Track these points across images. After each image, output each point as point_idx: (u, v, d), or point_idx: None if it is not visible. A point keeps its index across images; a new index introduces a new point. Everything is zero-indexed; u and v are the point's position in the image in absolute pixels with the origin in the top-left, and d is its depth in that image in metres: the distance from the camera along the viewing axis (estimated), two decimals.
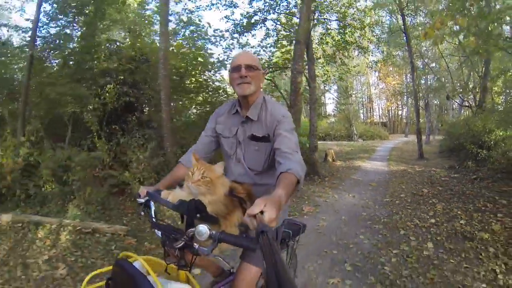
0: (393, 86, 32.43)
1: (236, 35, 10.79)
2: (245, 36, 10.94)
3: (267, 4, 10.47)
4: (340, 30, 11.39)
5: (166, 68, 6.87)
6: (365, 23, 11.88)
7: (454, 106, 26.41)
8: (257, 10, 10.46)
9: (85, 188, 5.22)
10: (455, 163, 10.41)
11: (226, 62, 9.52)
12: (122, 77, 7.74)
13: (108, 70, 7.85)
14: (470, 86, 16.02)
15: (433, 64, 21.37)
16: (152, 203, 1.47)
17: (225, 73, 9.58)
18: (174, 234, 1.24)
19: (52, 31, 7.97)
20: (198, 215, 1.20)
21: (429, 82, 24.20)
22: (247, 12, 10.36)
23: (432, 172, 9.82)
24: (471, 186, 7.19)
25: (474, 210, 5.31)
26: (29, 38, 7.58)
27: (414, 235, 4.32)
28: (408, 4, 14.30)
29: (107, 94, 7.08)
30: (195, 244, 1.19)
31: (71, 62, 7.83)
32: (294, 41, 7.84)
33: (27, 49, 7.28)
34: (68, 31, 7.95)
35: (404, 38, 14.99)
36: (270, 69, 10.61)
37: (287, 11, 11.19)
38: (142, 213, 1.50)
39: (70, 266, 3.37)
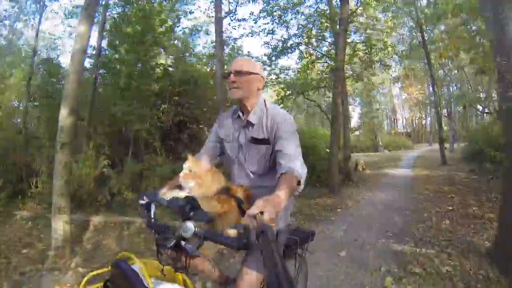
0: (416, 96, 33.12)
1: (273, 58, 12.24)
2: (282, 58, 12.26)
3: (300, 30, 11.67)
4: (366, 51, 12.55)
5: (222, 90, 7.97)
6: (388, 43, 13.07)
7: (478, 112, 26.47)
8: (292, 35, 11.57)
9: None
10: (475, 167, 11.38)
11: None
12: (176, 98, 8.72)
13: (159, 92, 8.77)
14: (493, 93, 16.58)
15: (455, 71, 21.42)
16: (152, 205, 1.46)
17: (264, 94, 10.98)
18: (166, 232, 1.24)
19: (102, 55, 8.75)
20: (191, 213, 1.19)
21: (451, 90, 24.49)
22: (282, 37, 11.54)
23: (453, 174, 11.02)
24: (487, 184, 8.38)
25: (486, 200, 6.57)
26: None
27: (435, 216, 5.73)
28: (427, 21, 15.37)
29: (161, 114, 8.13)
30: (182, 242, 1.18)
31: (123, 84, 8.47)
32: (333, 70, 9.17)
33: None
34: (132, 58, 8.58)
35: (423, 52, 16.04)
36: (306, 89, 12.02)
37: (319, 35, 12.31)
38: (144, 213, 1.49)
39: None
